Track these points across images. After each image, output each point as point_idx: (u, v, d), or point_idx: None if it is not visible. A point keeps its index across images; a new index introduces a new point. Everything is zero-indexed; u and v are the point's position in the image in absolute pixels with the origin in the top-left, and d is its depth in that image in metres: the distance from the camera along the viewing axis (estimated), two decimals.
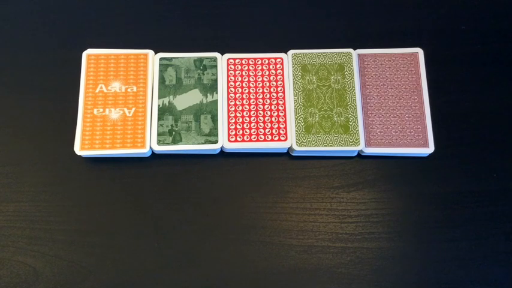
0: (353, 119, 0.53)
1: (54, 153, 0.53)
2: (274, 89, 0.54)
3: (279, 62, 0.55)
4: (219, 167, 0.53)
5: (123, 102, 0.53)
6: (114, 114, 0.52)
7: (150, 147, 0.52)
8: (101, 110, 0.53)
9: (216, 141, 0.52)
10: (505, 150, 0.54)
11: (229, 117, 0.53)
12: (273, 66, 0.55)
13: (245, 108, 0.53)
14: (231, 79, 0.54)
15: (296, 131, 0.52)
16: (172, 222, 0.51)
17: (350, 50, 0.55)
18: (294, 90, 0.54)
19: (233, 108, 0.53)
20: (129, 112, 0.53)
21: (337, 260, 0.50)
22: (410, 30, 0.59)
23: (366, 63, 0.55)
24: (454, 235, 0.51)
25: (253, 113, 0.53)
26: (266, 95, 0.54)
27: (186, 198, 0.52)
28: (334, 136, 0.52)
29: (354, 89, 0.54)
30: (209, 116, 0.53)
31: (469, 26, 0.59)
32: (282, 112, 0.53)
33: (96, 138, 0.51)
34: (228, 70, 0.55)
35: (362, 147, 0.52)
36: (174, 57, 0.55)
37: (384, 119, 0.53)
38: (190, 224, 0.51)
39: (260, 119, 0.53)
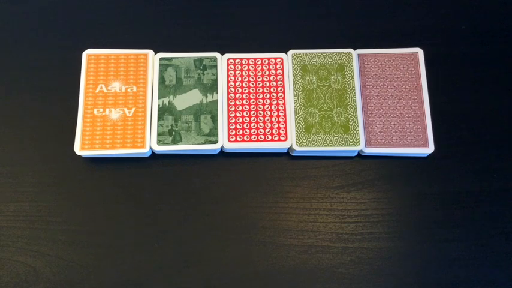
0: (353, 119, 0.53)
1: (54, 153, 0.53)
2: (274, 89, 0.54)
3: (279, 62, 0.55)
4: (219, 167, 0.53)
5: (123, 102, 0.53)
6: (114, 114, 0.52)
7: (150, 147, 0.52)
8: (101, 110, 0.53)
9: (216, 141, 0.52)
10: (505, 150, 0.54)
11: (229, 117, 0.53)
12: (273, 66, 0.55)
13: (245, 108, 0.53)
14: (231, 79, 0.54)
15: (296, 131, 0.52)
16: (172, 222, 0.51)
17: (350, 50, 0.55)
18: (294, 90, 0.54)
19: (233, 108, 0.53)
20: (129, 112, 0.53)
21: (337, 260, 0.50)
22: (410, 30, 0.59)
23: (366, 63, 0.55)
24: (454, 235, 0.51)
25: (253, 113, 0.53)
26: (266, 95, 0.54)
27: (186, 198, 0.52)
28: (334, 136, 0.52)
29: (354, 89, 0.54)
30: (209, 116, 0.53)
31: (469, 26, 0.59)
32: (282, 112, 0.53)
33: (96, 138, 0.51)
34: (228, 70, 0.55)
35: (362, 147, 0.52)
36: (174, 57, 0.55)
37: (383, 119, 0.53)
38: (190, 224, 0.51)
39: (260, 119, 0.53)
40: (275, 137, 0.52)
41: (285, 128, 0.52)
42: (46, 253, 0.50)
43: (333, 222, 0.51)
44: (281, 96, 0.54)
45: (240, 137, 0.52)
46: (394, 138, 0.53)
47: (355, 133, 0.52)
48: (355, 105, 0.53)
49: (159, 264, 0.50)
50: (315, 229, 0.51)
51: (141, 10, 0.60)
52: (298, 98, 0.53)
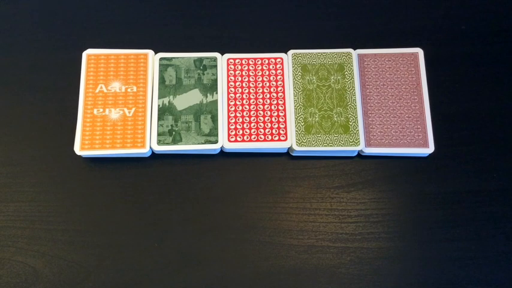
0: (353, 119, 0.53)
1: (54, 153, 0.53)
2: (274, 89, 0.54)
3: (279, 62, 0.55)
4: (219, 167, 0.53)
5: (123, 102, 0.53)
6: (114, 114, 0.52)
7: (150, 147, 0.52)
8: (101, 110, 0.53)
9: (216, 141, 0.52)
10: (505, 150, 0.54)
11: (229, 117, 0.53)
12: (273, 66, 0.55)
13: (245, 108, 0.53)
14: (231, 79, 0.54)
15: (296, 131, 0.52)
16: (172, 222, 0.51)
17: (350, 50, 0.55)
18: (294, 90, 0.54)
19: (233, 108, 0.53)
20: (129, 112, 0.53)
21: (337, 260, 0.50)
22: (410, 30, 0.59)
23: (366, 63, 0.55)
24: (454, 235, 0.51)
25: (253, 113, 0.53)
26: (266, 95, 0.54)
27: (186, 198, 0.52)
28: (334, 136, 0.52)
29: (354, 89, 0.54)
30: (209, 116, 0.53)
31: (469, 26, 0.59)
32: (282, 112, 0.53)
33: (96, 138, 0.51)
34: (228, 70, 0.55)
35: (362, 147, 0.52)
36: (174, 57, 0.55)
37: (383, 119, 0.53)
38: (191, 223, 0.51)
39: (260, 119, 0.53)
40: (275, 137, 0.52)
41: (285, 128, 0.52)
42: (46, 253, 0.50)
43: (333, 222, 0.51)
44: (281, 96, 0.54)
45: (240, 137, 0.52)
46: (394, 138, 0.53)
47: (355, 133, 0.52)
48: (355, 105, 0.53)
49: (159, 264, 0.50)
50: (315, 229, 0.51)
51: (141, 10, 0.60)
52: (298, 98, 0.53)
